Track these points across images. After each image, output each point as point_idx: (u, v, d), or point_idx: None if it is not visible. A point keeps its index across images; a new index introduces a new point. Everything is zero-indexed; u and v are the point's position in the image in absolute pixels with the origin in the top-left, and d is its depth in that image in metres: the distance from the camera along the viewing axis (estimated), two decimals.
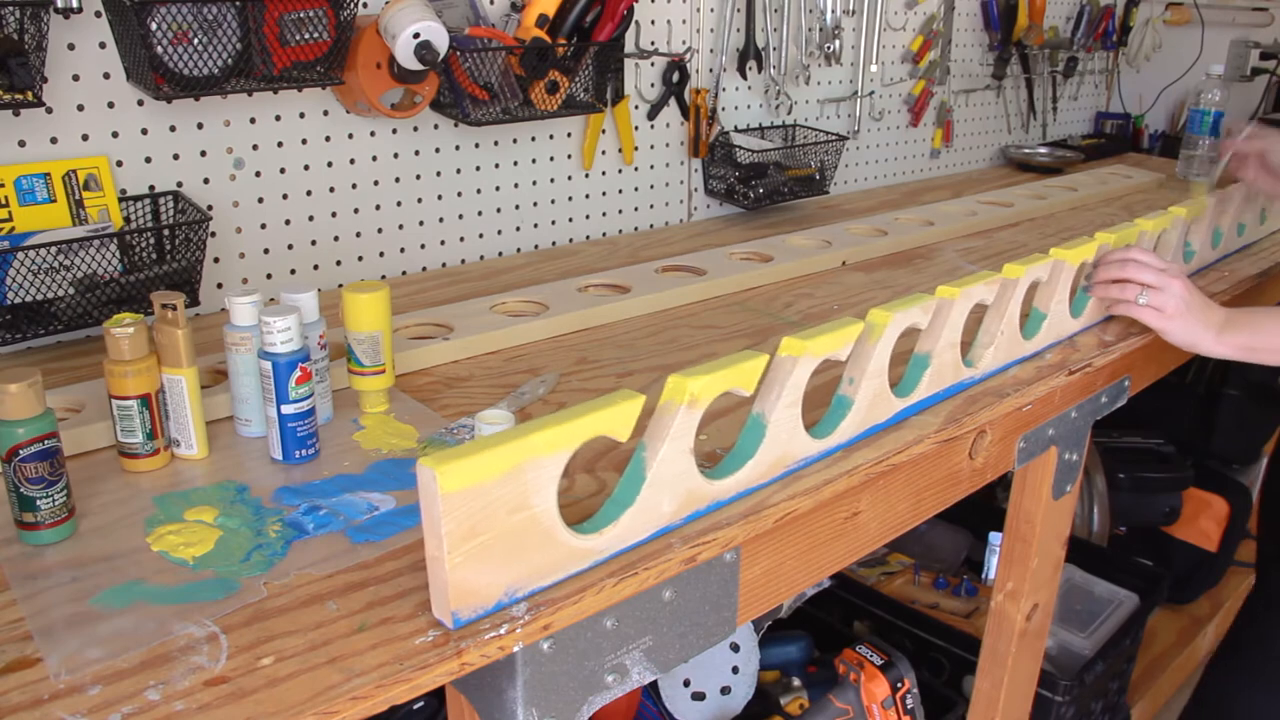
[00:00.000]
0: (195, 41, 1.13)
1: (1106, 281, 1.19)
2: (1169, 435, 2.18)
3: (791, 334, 0.82)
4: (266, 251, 1.35)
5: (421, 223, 1.50)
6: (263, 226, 1.34)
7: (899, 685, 1.44)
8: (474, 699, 0.71)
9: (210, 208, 1.27)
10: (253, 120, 1.30)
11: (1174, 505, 2.15)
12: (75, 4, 1.08)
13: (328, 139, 1.37)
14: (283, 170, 1.34)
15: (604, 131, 1.67)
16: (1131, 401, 1.37)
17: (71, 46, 1.14)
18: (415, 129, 1.45)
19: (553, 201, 1.65)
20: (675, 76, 1.72)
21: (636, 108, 1.71)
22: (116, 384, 0.86)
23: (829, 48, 1.94)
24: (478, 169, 1.54)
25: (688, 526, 0.78)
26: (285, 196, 1.35)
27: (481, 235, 1.57)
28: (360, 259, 1.44)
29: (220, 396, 0.99)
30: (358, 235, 1.43)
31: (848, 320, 0.86)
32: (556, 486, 0.67)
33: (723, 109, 1.84)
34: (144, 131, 1.21)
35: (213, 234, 1.28)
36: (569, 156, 1.64)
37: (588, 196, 1.69)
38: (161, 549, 0.77)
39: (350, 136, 1.39)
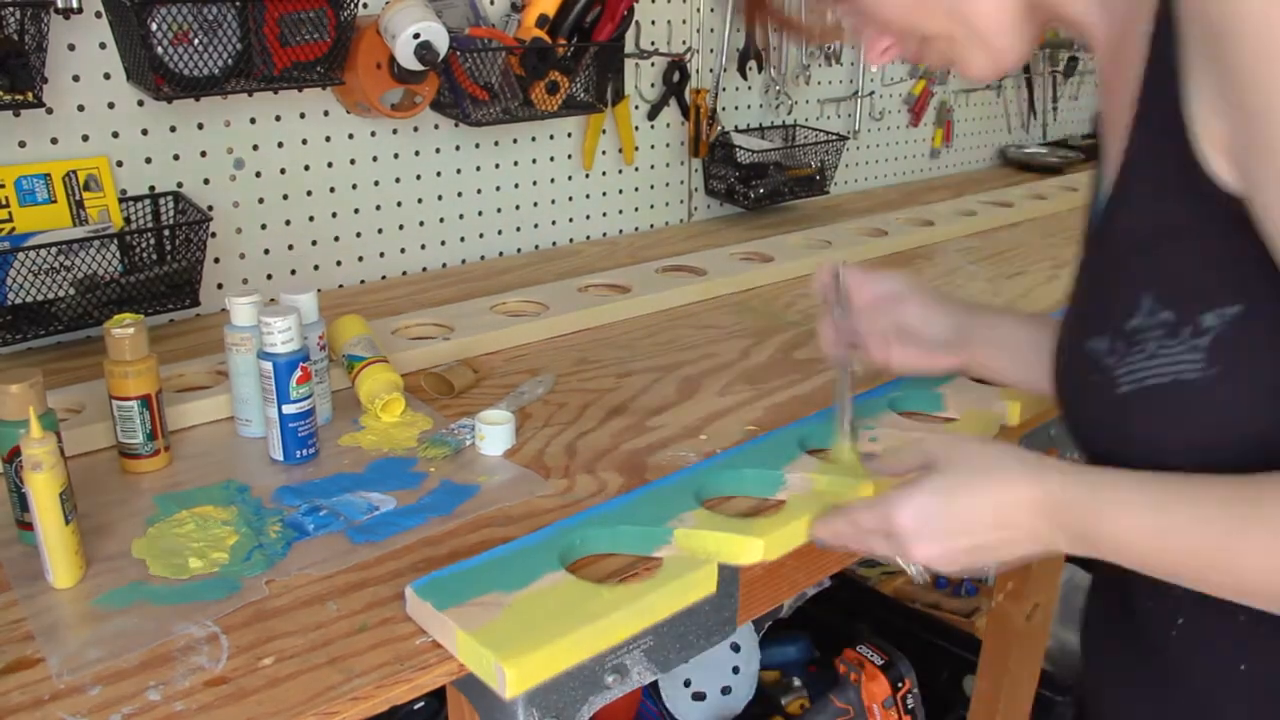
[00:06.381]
0: (195, 42, 1.13)
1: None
2: None
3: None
4: (267, 252, 1.35)
5: (421, 223, 1.50)
6: (263, 227, 1.34)
7: (899, 685, 1.43)
8: (474, 699, 0.71)
9: (210, 208, 1.27)
10: (253, 120, 1.30)
11: None
12: (75, 4, 1.07)
13: (328, 139, 1.37)
14: (283, 170, 1.34)
15: (604, 132, 1.67)
16: None
17: (71, 47, 1.14)
18: (415, 129, 1.45)
19: (553, 201, 1.65)
20: (675, 76, 1.72)
21: (636, 108, 1.71)
22: (117, 384, 0.86)
23: (829, 47, 1.94)
24: (478, 169, 1.54)
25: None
26: (285, 197, 1.35)
27: (481, 235, 1.57)
28: (360, 259, 1.44)
29: (220, 396, 0.99)
30: (358, 235, 1.43)
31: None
32: None
33: (723, 109, 1.84)
34: (144, 132, 1.21)
35: (213, 234, 1.28)
36: (569, 157, 1.64)
37: (588, 196, 1.69)
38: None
39: (350, 137, 1.39)
